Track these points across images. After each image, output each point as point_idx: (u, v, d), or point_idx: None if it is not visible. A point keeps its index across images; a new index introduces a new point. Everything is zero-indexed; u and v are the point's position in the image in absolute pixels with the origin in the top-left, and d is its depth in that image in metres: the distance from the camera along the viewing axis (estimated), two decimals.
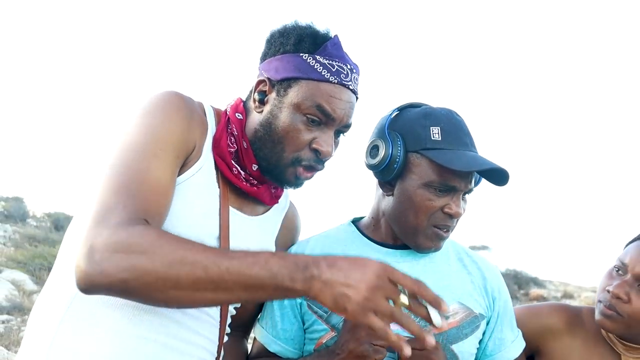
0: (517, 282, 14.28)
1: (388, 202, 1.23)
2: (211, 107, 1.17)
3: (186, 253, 0.83)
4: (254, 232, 1.18)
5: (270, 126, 1.09)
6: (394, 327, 1.11)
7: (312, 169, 1.11)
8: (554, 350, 1.30)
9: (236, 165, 1.12)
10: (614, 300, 1.21)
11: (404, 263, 1.23)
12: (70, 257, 1.00)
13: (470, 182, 1.17)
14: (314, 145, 1.08)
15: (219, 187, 1.11)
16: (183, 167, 1.05)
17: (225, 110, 1.17)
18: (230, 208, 1.12)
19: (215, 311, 1.10)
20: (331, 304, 0.80)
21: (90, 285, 0.83)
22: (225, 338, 1.18)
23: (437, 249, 1.21)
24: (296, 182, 1.13)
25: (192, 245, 0.85)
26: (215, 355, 1.12)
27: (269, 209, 1.24)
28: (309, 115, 1.06)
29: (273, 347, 1.24)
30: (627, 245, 1.31)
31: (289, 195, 1.34)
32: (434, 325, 0.81)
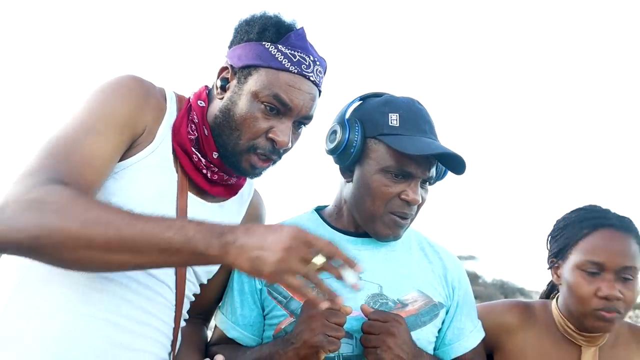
0: (504, 292, 14.32)
1: (349, 189, 1.23)
2: (174, 93, 1.16)
3: (100, 213, 0.82)
4: (214, 218, 1.15)
5: (229, 113, 1.08)
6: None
7: (267, 158, 1.10)
8: (510, 347, 1.31)
9: (197, 153, 1.11)
10: (613, 303, 1.19)
11: (365, 251, 1.22)
12: None
13: (428, 170, 1.16)
14: (270, 135, 1.07)
15: (176, 172, 1.09)
16: (132, 150, 1.04)
17: (189, 98, 1.16)
18: (189, 194, 1.11)
19: (171, 295, 1.08)
20: (248, 268, 0.82)
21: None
22: (183, 323, 1.16)
23: (395, 237, 1.20)
24: (253, 171, 1.12)
25: (107, 206, 0.85)
26: (171, 338, 1.10)
27: (232, 196, 1.22)
28: (266, 104, 1.05)
29: (232, 333, 1.22)
30: (579, 239, 1.26)
31: (254, 183, 1.33)
32: (347, 284, 0.86)
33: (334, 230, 1.26)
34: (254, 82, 1.06)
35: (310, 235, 0.83)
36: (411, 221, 1.21)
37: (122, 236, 0.80)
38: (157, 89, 1.12)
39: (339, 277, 0.86)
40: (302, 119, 1.11)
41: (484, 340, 1.29)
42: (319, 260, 0.84)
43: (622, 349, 1.30)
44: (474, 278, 13.67)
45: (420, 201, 1.17)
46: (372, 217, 1.18)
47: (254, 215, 1.31)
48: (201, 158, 1.11)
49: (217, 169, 1.13)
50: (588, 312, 1.20)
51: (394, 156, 1.14)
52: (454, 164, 1.17)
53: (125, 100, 1.02)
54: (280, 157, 1.14)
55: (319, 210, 1.34)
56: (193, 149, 1.10)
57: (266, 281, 0.85)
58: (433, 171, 1.19)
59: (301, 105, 1.07)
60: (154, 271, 1.03)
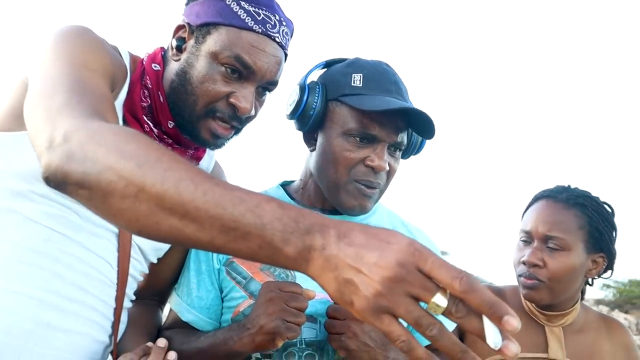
0: None
1: (313, 158, 1.13)
2: (128, 53, 1.03)
3: (163, 157, 0.61)
4: None
5: (185, 76, 0.97)
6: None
7: (228, 125, 0.99)
8: None
9: (148, 122, 0.99)
10: (532, 269, 1.23)
11: None
12: None
13: (395, 133, 1.06)
14: (231, 100, 0.96)
15: None
16: None
17: (142, 60, 1.04)
18: None
19: (111, 272, 0.97)
20: (335, 292, 0.56)
21: (61, 174, 0.63)
22: (128, 304, 1.05)
23: (363, 208, 1.09)
24: (214, 141, 1.01)
25: (176, 155, 0.63)
26: (112, 319, 0.98)
27: None
28: (227, 66, 0.95)
29: (186, 316, 1.10)
30: (524, 212, 1.32)
31: (214, 155, 1.22)
32: (487, 345, 0.53)
33: (300, 207, 1.16)
34: (213, 41, 0.95)
35: (431, 258, 0.53)
36: (381, 193, 1.11)
37: (179, 193, 0.58)
38: (111, 45, 1.00)
39: (479, 334, 0.53)
40: (267, 84, 1.00)
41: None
42: (440, 301, 0.52)
43: (592, 334, 1.29)
44: None
45: (388, 169, 1.07)
46: (335, 187, 1.07)
47: None
48: (153, 128, 0.99)
49: (171, 141, 1.01)
50: (517, 278, 1.28)
51: (356, 117, 1.04)
52: (422, 126, 1.07)
53: (101, 49, 0.90)
54: (242, 125, 1.02)
55: (285, 185, 1.23)
56: (145, 118, 0.99)
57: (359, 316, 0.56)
58: (402, 137, 1.08)
59: (265, 68, 0.97)
60: (91, 244, 0.92)
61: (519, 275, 1.26)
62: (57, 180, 0.64)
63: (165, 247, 1.10)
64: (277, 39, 0.98)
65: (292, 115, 1.11)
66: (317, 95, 1.08)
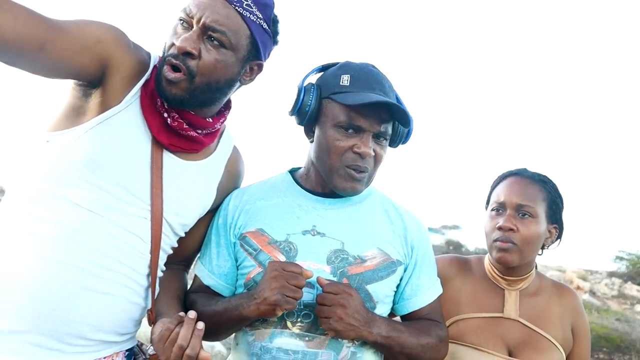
0: None
1: (312, 148, 1.30)
2: (158, 57, 1.18)
3: None
4: (192, 177, 1.22)
5: None
6: (311, 266, 1.19)
7: (175, 68, 1.09)
8: (448, 293, 1.44)
9: (160, 97, 1.11)
10: (507, 233, 1.38)
11: (332, 210, 1.29)
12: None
13: (379, 124, 1.22)
14: (173, 41, 1.09)
15: (150, 131, 1.13)
16: (107, 97, 1.09)
17: None
18: (165, 151, 1.16)
19: (143, 245, 1.14)
20: None
21: None
22: (160, 273, 1.22)
23: (354, 190, 1.25)
24: (168, 83, 1.10)
25: None
26: (145, 285, 1.17)
27: (209, 155, 1.27)
28: (179, 19, 1.10)
29: (207, 281, 1.30)
30: (493, 189, 1.49)
31: (233, 141, 1.36)
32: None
33: (303, 191, 1.32)
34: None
35: None
36: (370, 177, 1.26)
37: None
38: (145, 50, 1.16)
39: None
40: (206, 30, 1.08)
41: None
42: None
43: (544, 298, 1.46)
44: (457, 247, 13.94)
45: (373, 154, 1.23)
46: (330, 172, 1.24)
47: (232, 172, 1.35)
48: (164, 102, 1.12)
49: (176, 115, 1.14)
50: (489, 244, 1.43)
51: (344, 111, 1.21)
52: (400, 116, 1.23)
53: (107, 27, 1.09)
54: (186, 65, 1.08)
55: (293, 171, 1.40)
56: (157, 92, 1.11)
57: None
58: (386, 127, 1.24)
59: (201, 14, 1.07)
60: (123, 222, 1.10)
61: (495, 240, 1.40)
62: None
63: (191, 223, 1.27)
64: None
65: (292, 112, 1.28)
66: (312, 94, 1.24)
